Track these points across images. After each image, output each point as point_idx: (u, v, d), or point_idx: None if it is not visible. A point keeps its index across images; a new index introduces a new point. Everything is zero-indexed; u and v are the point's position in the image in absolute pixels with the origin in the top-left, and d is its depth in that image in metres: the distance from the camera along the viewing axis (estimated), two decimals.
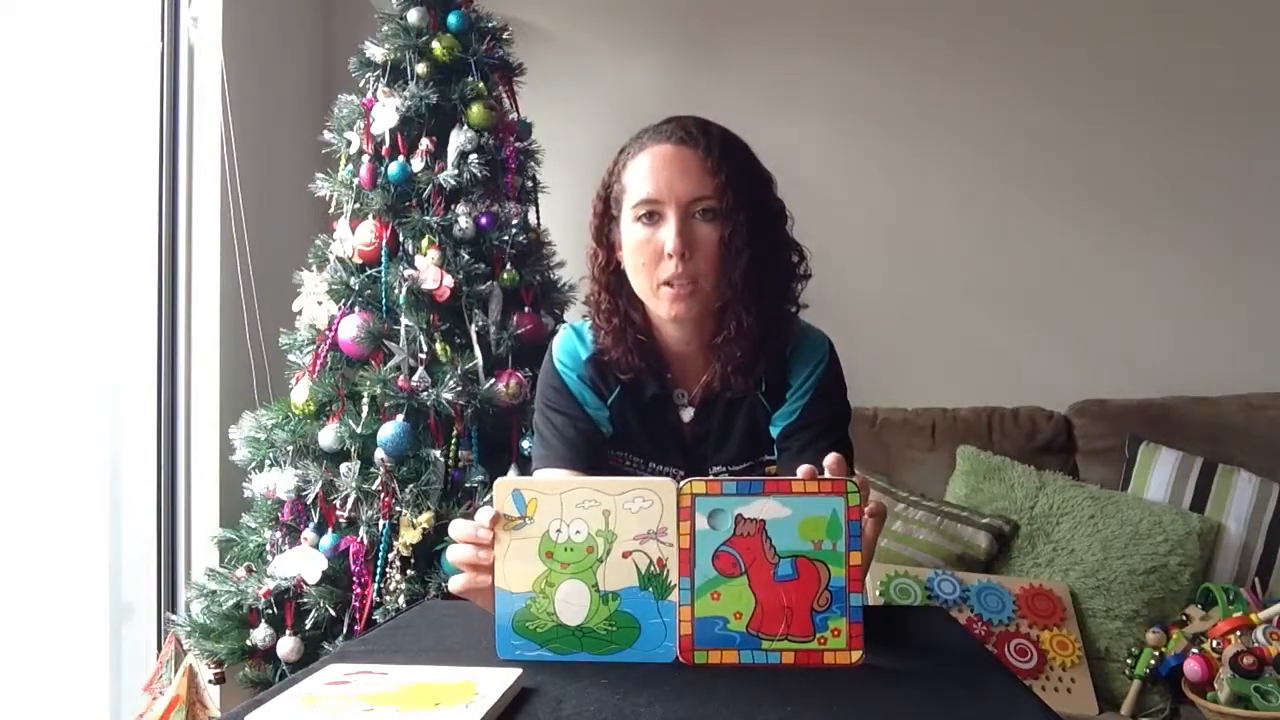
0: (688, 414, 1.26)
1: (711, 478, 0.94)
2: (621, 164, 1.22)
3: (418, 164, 1.93)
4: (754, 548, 0.85)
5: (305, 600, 1.77)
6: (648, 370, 1.25)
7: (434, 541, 1.77)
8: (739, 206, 1.15)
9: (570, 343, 1.29)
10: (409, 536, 1.74)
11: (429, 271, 1.87)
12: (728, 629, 0.85)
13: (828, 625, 0.85)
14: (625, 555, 0.87)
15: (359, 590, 1.75)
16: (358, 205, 1.95)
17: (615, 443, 1.27)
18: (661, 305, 1.17)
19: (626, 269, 1.21)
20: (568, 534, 0.88)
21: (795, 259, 1.25)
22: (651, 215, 1.16)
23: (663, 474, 1.25)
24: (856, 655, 0.84)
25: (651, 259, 1.16)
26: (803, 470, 0.87)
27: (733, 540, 0.86)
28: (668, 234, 1.14)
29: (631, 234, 1.18)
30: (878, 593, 1.94)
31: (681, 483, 0.86)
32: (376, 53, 2.00)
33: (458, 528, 0.91)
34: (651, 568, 0.87)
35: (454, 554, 0.91)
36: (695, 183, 1.15)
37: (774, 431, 1.24)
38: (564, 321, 2.08)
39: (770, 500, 0.85)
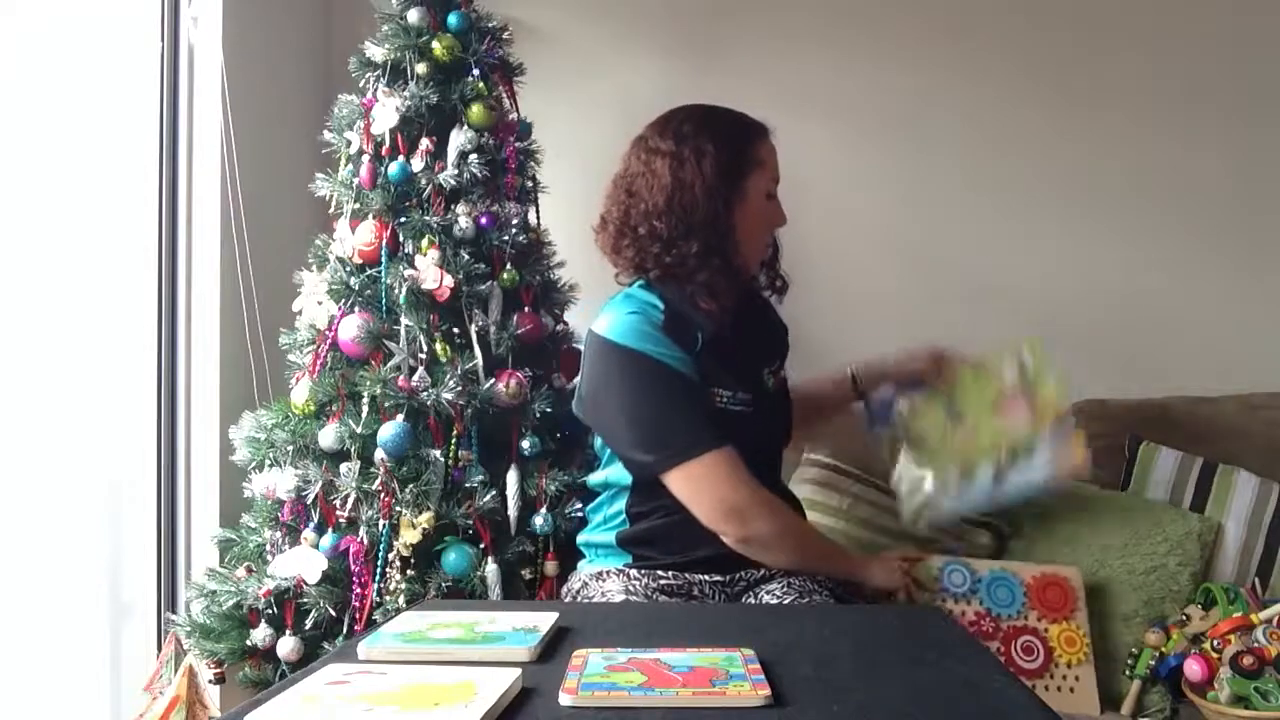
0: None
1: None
2: (752, 140, 1.56)
3: (418, 164, 1.93)
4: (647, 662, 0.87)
5: (305, 600, 1.76)
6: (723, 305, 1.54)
7: (434, 541, 1.77)
8: None
9: (637, 321, 1.50)
10: (409, 536, 1.74)
11: (429, 271, 1.87)
12: (616, 686, 0.81)
13: (728, 687, 0.80)
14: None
15: (359, 590, 1.75)
16: (358, 205, 1.95)
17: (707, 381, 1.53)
18: (759, 257, 1.62)
19: (747, 226, 1.53)
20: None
21: None
22: (773, 193, 1.57)
23: (744, 400, 1.55)
24: (764, 693, 0.78)
25: (770, 227, 1.60)
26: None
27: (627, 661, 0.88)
28: (781, 211, 1.58)
29: (765, 206, 1.56)
30: None
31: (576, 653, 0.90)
32: (376, 53, 2.00)
33: None
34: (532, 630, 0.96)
35: None
36: None
37: None
38: (564, 322, 2.08)
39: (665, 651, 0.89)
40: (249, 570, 1.83)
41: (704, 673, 0.82)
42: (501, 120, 2.02)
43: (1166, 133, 2.59)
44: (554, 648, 0.92)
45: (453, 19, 2.01)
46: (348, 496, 1.79)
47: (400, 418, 1.80)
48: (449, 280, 1.86)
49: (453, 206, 1.93)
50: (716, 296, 1.48)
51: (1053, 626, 1.89)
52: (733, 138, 1.51)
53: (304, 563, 1.76)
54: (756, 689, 0.77)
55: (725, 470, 1.41)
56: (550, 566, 1.84)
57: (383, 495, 1.77)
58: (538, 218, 2.11)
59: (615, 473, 1.64)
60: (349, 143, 1.99)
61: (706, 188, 1.47)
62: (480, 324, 1.89)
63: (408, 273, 1.86)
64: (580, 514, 1.80)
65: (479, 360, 1.86)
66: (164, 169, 2.17)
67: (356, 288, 1.90)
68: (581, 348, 1.76)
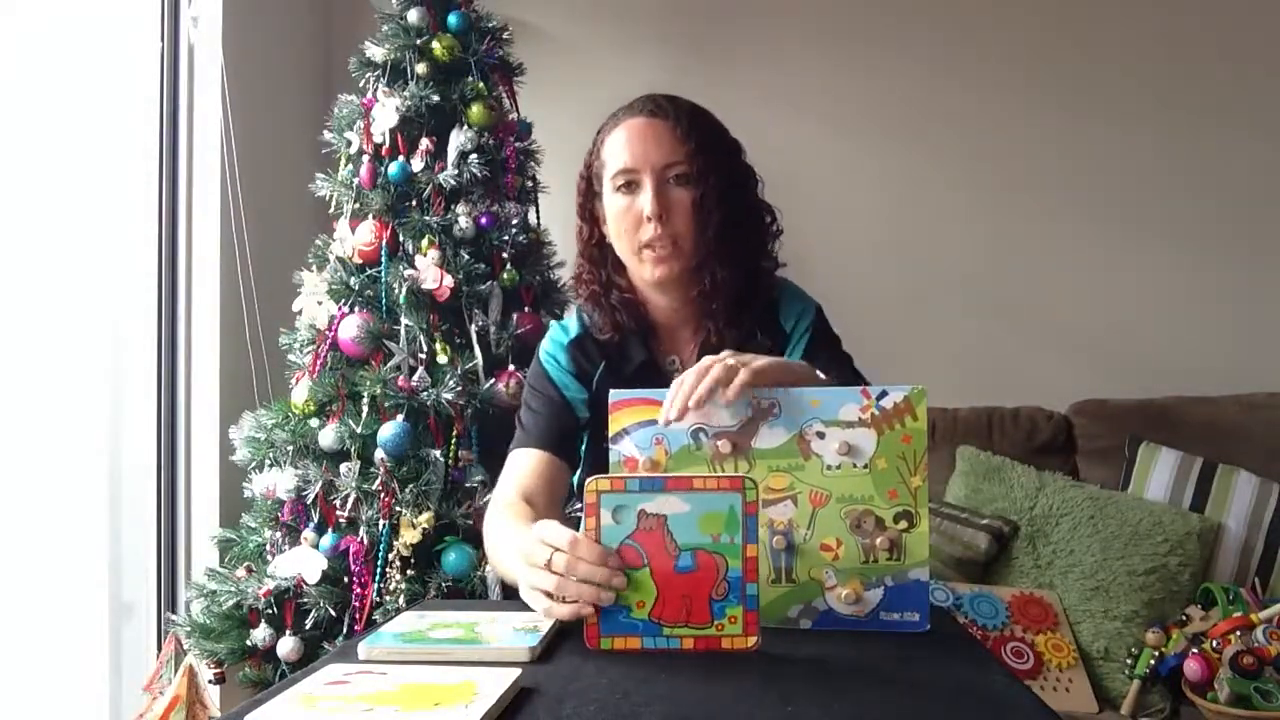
0: None
1: (616, 475, 0.96)
2: (599, 141, 1.31)
3: (418, 164, 1.93)
4: (656, 541, 0.89)
5: (305, 600, 1.77)
6: (634, 331, 1.31)
7: (434, 541, 1.77)
8: (710, 170, 1.24)
9: (555, 333, 1.36)
10: (409, 536, 1.74)
11: (429, 271, 1.87)
12: (631, 617, 0.90)
13: (725, 613, 0.89)
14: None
15: (359, 590, 1.76)
16: (358, 205, 1.95)
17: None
18: (644, 268, 1.26)
19: (610, 238, 1.30)
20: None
21: (768, 219, 1.32)
22: (629, 184, 1.25)
23: None
24: (752, 640, 0.89)
25: (632, 225, 1.25)
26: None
27: (636, 534, 0.90)
28: (645, 200, 1.23)
29: (612, 204, 1.27)
30: None
31: (588, 480, 0.90)
32: (376, 53, 2.00)
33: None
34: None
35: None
36: (667, 150, 1.24)
37: None
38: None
39: (672, 496, 0.89)
40: (249, 570, 1.83)
41: (707, 568, 0.88)
42: (501, 120, 2.02)
43: (1167, 132, 2.59)
44: (554, 648, 0.92)
45: (453, 19, 2.01)
46: (348, 496, 1.79)
47: (400, 418, 1.80)
48: (449, 280, 1.86)
49: (453, 206, 1.93)
50: (604, 311, 1.32)
51: (1038, 637, 1.90)
52: (594, 142, 1.33)
53: (304, 563, 1.76)
54: (748, 633, 0.88)
55: (509, 467, 1.30)
56: None
57: (383, 495, 1.77)
58: (538, 218, 2.11)
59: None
60: (349, 143, 1.99)
61: (577, 206, 1.35)
62: (480, 324, 1.89)
63: (408, 273, 1.86)
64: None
65: (479, 360, 1.86)
66: (164, 169, 2.17)
67: (356, 288, 1.90)
68: None
